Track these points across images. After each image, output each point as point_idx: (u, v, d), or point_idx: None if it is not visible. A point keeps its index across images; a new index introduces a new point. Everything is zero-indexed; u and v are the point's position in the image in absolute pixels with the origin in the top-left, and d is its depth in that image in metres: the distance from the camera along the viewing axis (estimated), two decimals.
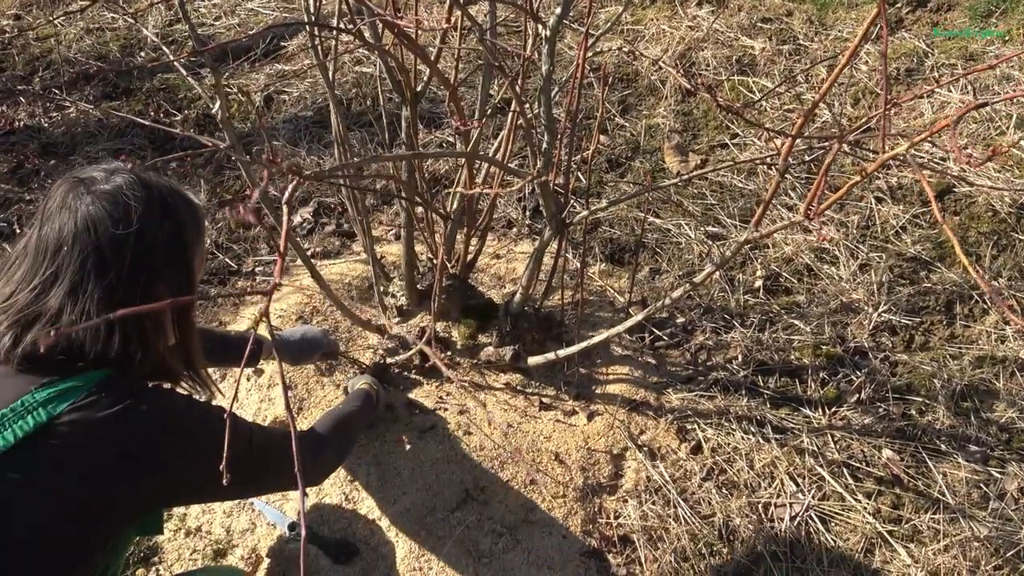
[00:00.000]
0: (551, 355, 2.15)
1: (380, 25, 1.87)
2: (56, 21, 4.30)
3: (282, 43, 4.02)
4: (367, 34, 1.96)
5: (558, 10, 1.58)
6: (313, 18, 2.07)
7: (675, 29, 3.73)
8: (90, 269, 1.16)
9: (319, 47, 2.09)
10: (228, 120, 1.98)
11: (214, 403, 1.39)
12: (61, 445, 1.11)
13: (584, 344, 2.07)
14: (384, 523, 1.99)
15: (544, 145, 1.67)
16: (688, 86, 1.48)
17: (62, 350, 1.15)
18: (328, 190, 3.13)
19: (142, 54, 4.08)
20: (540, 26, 1.52)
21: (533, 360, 2.19)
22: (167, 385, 1.32)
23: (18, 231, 3.03)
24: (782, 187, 2.92)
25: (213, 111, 1.96)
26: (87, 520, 1.16)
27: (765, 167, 2.95)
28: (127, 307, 1.13)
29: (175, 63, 1.76)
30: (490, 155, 2.26)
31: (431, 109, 3.46)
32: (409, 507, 2.00)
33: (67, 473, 1.12)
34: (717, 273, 2.61)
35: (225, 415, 0.80)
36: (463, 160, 2.08)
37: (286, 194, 1.01)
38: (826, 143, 1.69)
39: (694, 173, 1.69)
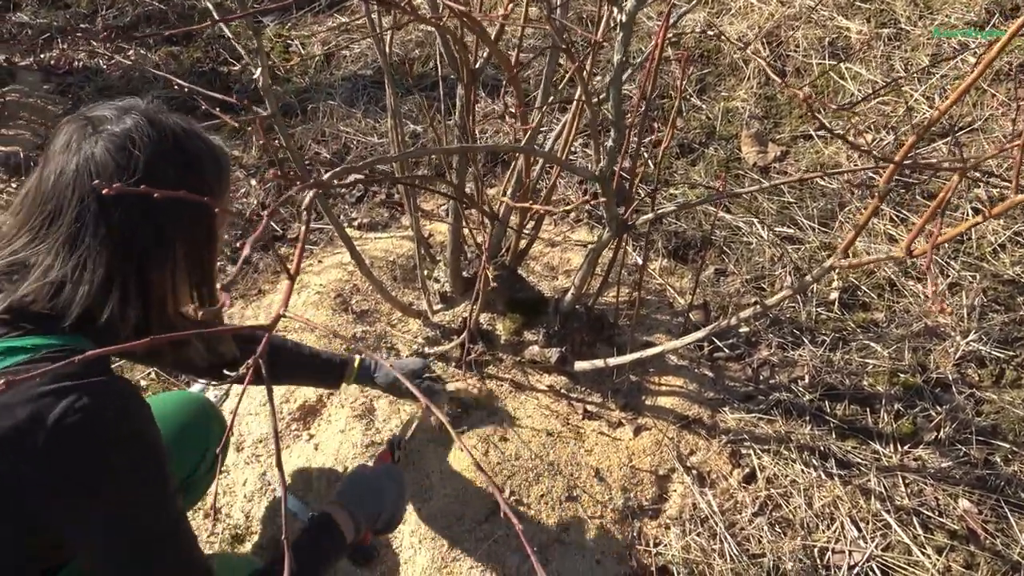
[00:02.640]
0: (600, 363, 1.99)
1: None
2: None
3: None
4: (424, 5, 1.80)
5: None
6: None
7: (764, 4, 3.45)
8: (88, 220, 1.05)
9: (378, 15, 1.93)
10: (270, 87, 1.84)
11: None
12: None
13: (637, 355, 1.90)
14: (407, 528, 1.87)
15: (610, 142, 1.49)
16: (776, 79, 1.29)
17: (46, 304, 1.04)
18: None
19: None
20: (616, 9, 1.34)
21: (580, 365, 2.03)
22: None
23: None
24: (863, 190, 2.68)
25: (255, 76, 1.82)
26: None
27: (852, 165, 2.71)
28: (128, 264, 1.07)
29: (218, 20, 1.62)
30: (550, 142, 2.09)
31: (496, 75, 3.28)
32: (435, 514, 1.87)
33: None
34: (789, 280, 2.41)
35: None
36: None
37: (304, 202, 0.86)
38: (936, 169, 1.47)
39: (780, 181, 1.49)
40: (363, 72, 3.39)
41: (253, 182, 2.95)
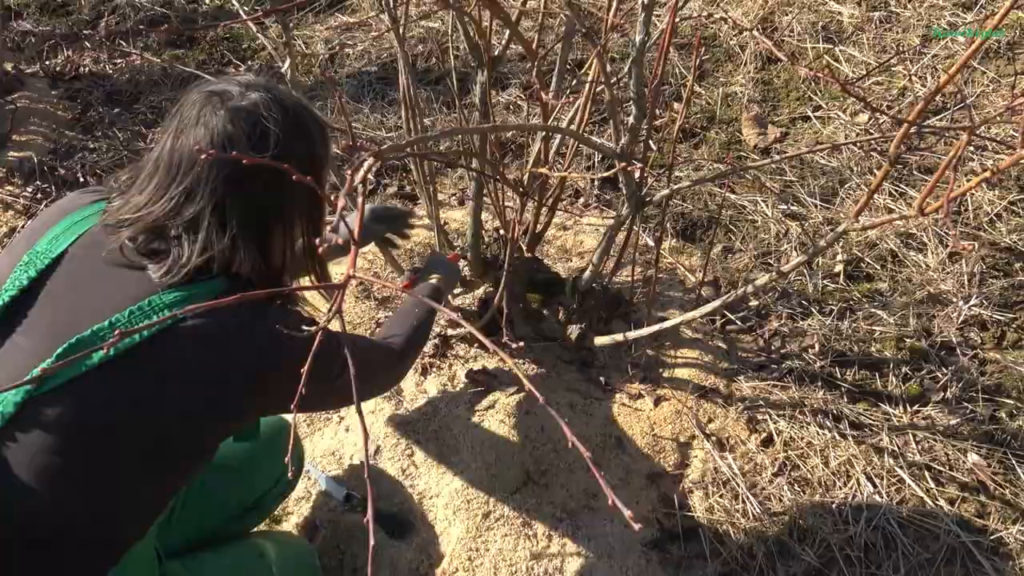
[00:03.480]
0: (619, 336, 2.07)
1: None
2: None
3: None
4: None
5: None
6: None
7: None
8: (227, 187, 1.17)
9: (391, 3, 1.99)
10: (297, 80, 1.91)
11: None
12: (179, 347, 1.13)
13: (656, 328, 1.98)
14: (441, 500, 1.94)
15: (631, 120, 1.56)
16: (781, 57, 1.36)
17: (196, 261, 1.16)
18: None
19: (207, 1, 4.03)
20: None
21: (600, 340, 2.10)
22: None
23: (81, 179, 3.02)
24: (862, 167, 2.77)
25: (282, 69, 1.89)
26: (192, 426, 1.19)
27: (850, 145, 2.79)
28: (261, 223, 1.22)
29: (245, 19, 1.69)
30: (564, 124, 2.16)
31: (497, 70, 3.35)
32: (468, 486, 1.94)
33: (180, 377, 1.14)
34: (794, 255, 2.50)
35: (322, 335, 0.77)
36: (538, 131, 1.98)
37: (359, 175, 0.93)
38: (940, 130, 1.55)
39: (790, 155, 1.57)
40: (367, 69, 3.46)
41: None
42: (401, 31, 2.04)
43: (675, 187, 1.81)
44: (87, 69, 3.53)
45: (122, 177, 1.27)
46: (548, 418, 2.05)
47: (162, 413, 1.15)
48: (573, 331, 2.14)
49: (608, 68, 1.63)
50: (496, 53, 1.87)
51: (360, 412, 0.81)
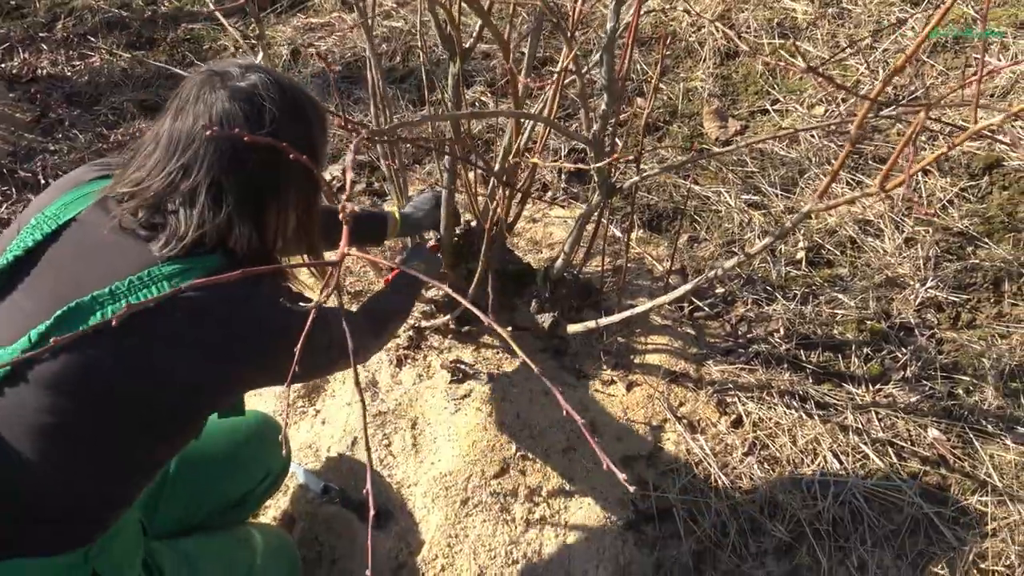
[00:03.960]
0: (591, 323, 2.10)
1: None
2: None
3: None
4: None
5: None
6: None
7: None
8: (223, 165, 1.19)
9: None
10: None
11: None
12: (178, 319, 1.15)
13: (627, 313, 2.02)
14: (419, 489, 1.96)
15: (603, 107, 1.60)
16: (744, 47, 1.40)
17: (193, 235, 1.19)
18: (364, 146, 3.06)
19: (166, 3, 4.00)
20: None
21: (572, 328, 2.14)
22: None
23: (42, 181, 2.98)
24: (820, 157, 2.84)
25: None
26: (187, 395, 1.22)
27: (810, 136, 2.87)
28: (257, 201, 1.25)
29: (219, 16, 1.70)
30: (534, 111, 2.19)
31: (467, 68, 3.37)
32: (445, 474, 1.97)
33: (178, 347, 1.16)
34: (758, 243, 2.56)
35: (314, 311, 0.80)
36: (507, 120, 2.01)
37: (348, 155, 0.96)
38: (896, 115, 1.61)
39: (759, 138, 1.62)
40: (332, 68, 3.46)
41: None
42: (370, 25, 2.06)
43: (644, 175, 1.85)
44: (45, 71, 3.48)
45: (125, 154, 1.30)
46: (524, 405, 2.08)
47: (159, 381, 1.17)
48: (546, 320, 2.17)
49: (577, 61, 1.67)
50: (467, 45, 1.90)
51: (358, 384, 0.83)
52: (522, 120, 1.92)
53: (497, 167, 1.89)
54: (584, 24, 3.26)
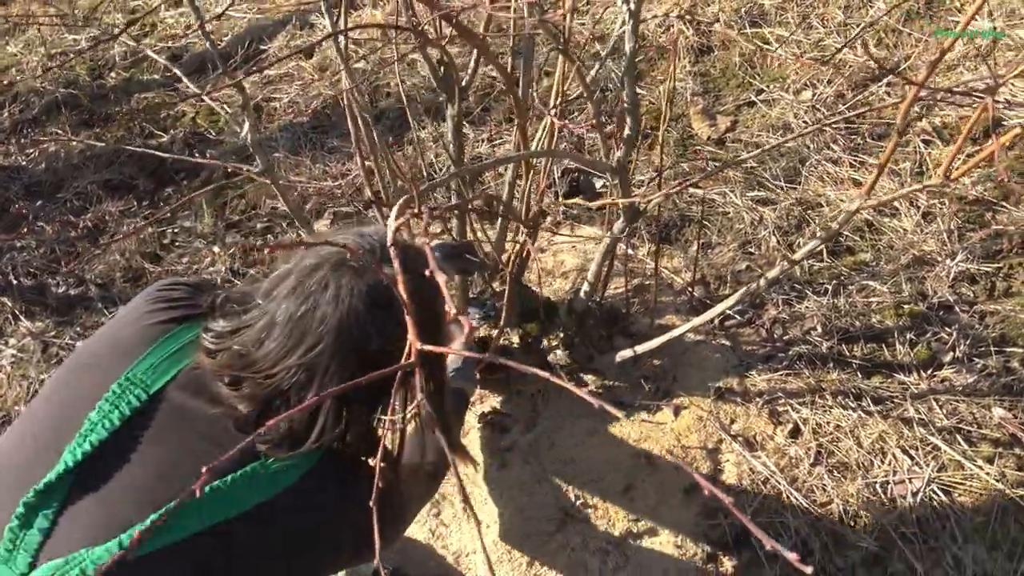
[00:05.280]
0: (628, 352, 2.00)
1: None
2: (15, 50, 4.04)
3: (262, 47, 3.79)
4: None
5: None
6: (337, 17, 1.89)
7: None
8: (339, 369, 1.10)
9: (343, 47, 1.90)
10: (258, 143, 1.80)
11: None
12: (279, 518, 1.11)
13: (667, 336, 1.92)
14: (479, 556, 1.84)
15: (627, 131, 1.51)
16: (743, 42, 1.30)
17: (298, 429, 1.13)
18: (345, 198, 2.94)
19: (112, 75, 3.84)
20: (621, 1, 1.36)
21: (619, 357, 2.03)
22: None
23: (13, 280, 2.82)
24: (819, 143, 2.78)
25: (242, 134, 1.78)
26: None
27: (803, 123, 2.81)
28: (373, 410, 1.18)
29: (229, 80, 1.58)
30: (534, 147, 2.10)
31: (433, 100, 3.27)
32: (503, 535, 1.85)
33: (274, 545, 1.11)
34: (774, 240, 2.48)
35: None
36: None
37: (425, 235, 0.86)
38: (966, 94, 1.53)
39: (801, 133, 1.54)
40: (299, 120, 3.34)
41: (216, 248, 2.87)
42: (352, 71, 1.96)
43: (668, 190, 1.76)
44: None
45: (218, 298, 1.19)
46: (572, 449, 1.97)
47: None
48: (561, 358, 2.07)
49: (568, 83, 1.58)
50: (463, 83, 1.79)
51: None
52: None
53: (520, 210, 1.79)
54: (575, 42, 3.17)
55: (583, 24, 3.33)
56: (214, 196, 3.06)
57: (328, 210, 2.92)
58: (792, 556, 0.68)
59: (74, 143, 3.38)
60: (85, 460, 1.05)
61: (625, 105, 1.47)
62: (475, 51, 1.81)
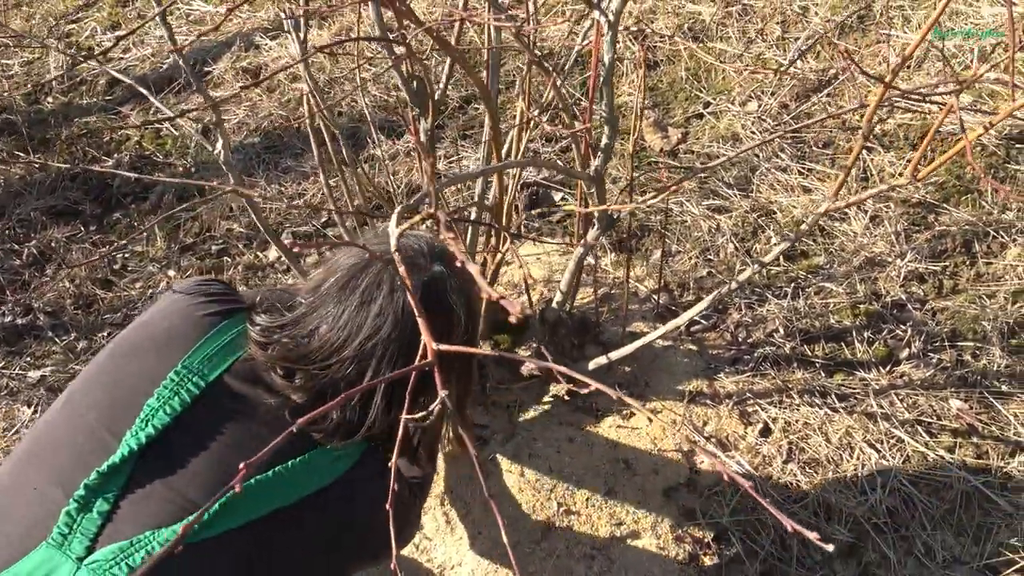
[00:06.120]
0: (602, 360, 2.03)
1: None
2: None
3: (206, 68, 3.74)
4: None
5: None
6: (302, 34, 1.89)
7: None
8: (393, 360, 1.14)
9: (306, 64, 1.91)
10: (230, 163, 1.79)
11: None
12: (331, 507, 1.13)
13: (640, 342, 1.96)
14: (465, 569, 1.84)
15: (604, 140, 1.54)
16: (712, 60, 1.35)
17: (353, 418, 1.16)
18: (301, 216, 2.92)
19: (49, 100, 3.73)
20: (598, 12, 1.39)
21: (593, 364, 2.06)
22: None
23: None
24: (767, 152, 2.88)
25: (215, 152, 1.76)
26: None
27: (750, 132, 2.90)
28: (423, 399, 1.18)
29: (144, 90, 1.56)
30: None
31: (385, 118, 3.28)
32: (490, 546, 1.85)
33: (325, 533, 1.12)
34: (731, 246, 2.56)
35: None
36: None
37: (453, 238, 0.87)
38: (921, 97, 1.61)
39: (759, 143, 1.59)
40: (250, 140, 3.30)
41: (171, 272, 2.81)
42: (317, 97, 1.95)
43: (641, 202, 1.80)
44: None
45: (259, 295, 1.22)
46: (553, 457, 1.99)
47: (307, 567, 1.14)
48: (532, 369, 2.09)
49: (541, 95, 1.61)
50: (437, 96, 1.81)
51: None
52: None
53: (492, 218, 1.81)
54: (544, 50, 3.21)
55: (546, 37, 3.38)
56: (166, 220, 2.99)
57: (287, 229, 2.89)
58: (813, 536, 0.71)
59: (13, 170, 3.27)
60: (147, 445, 1.06)
61: (603, 115, 1.50)
62: (447, 64, 1.83)
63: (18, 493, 1.07)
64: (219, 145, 1.69)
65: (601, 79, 1.46)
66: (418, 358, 1.11)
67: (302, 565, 1.13)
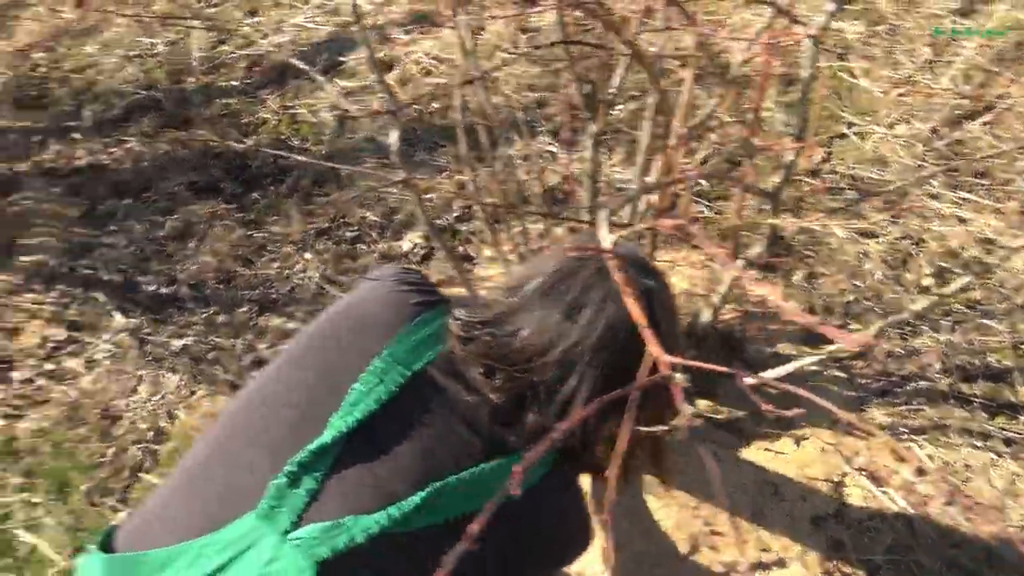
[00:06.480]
0: (753, 379, 1.98)
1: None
2: (92, 50, 4.06)
3: (340, 58, 3.81)
4: None
5: (828, 6, 1.42)
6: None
7: (759, 17, 3.57)
8: (605, 384, 1.11)
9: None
10: (400, 150, 1.80)
11: None
12: (525, 516, 1.07)
13: (797, 364, 1.91)
14: None
15: (789, 156, 1.50)
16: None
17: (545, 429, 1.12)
18: (435, 211, 2.94)
19: (191, 80, 3.86)
20: (801, 28, 1.36)
21: (765, 376, 2.02)
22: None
23: (105, 277, 2.81)
24: (918, 177, 2.78)
25: (390, 143, 1.78)
26: None
27: (898, 157, 2.81)
28: (619, 413, 1.14)
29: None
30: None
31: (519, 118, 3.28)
32: (633, 560, 1.82)
33: (511, 543, 1.09)
34: (879, 273, 2.47)
35: None
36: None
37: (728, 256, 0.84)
38: None
39: (932, 173, 1.53)
40: (385, 131, 3.34)
41: (308, 255, 2.86)
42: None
43: (815, 221, 1.75)
44: (84, 162, 3.32)
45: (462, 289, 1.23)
46: (698, 473, 1.95)
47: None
48: (696, 380, 2.05)
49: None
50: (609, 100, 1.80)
51: None
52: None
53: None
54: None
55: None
56: (303, 203, 3.06)
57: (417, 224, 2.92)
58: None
59: (157, 144, 3.39)
60: (354, 429, 1.06)
61: (790, 130, 1.46)
62: (620, 70, 1.81)
63: (223, 461, 1.09)
64: (394, 135, 1.70)
65: (800, 95, 1.42)
66: (640, 373, 1.09)
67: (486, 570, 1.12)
